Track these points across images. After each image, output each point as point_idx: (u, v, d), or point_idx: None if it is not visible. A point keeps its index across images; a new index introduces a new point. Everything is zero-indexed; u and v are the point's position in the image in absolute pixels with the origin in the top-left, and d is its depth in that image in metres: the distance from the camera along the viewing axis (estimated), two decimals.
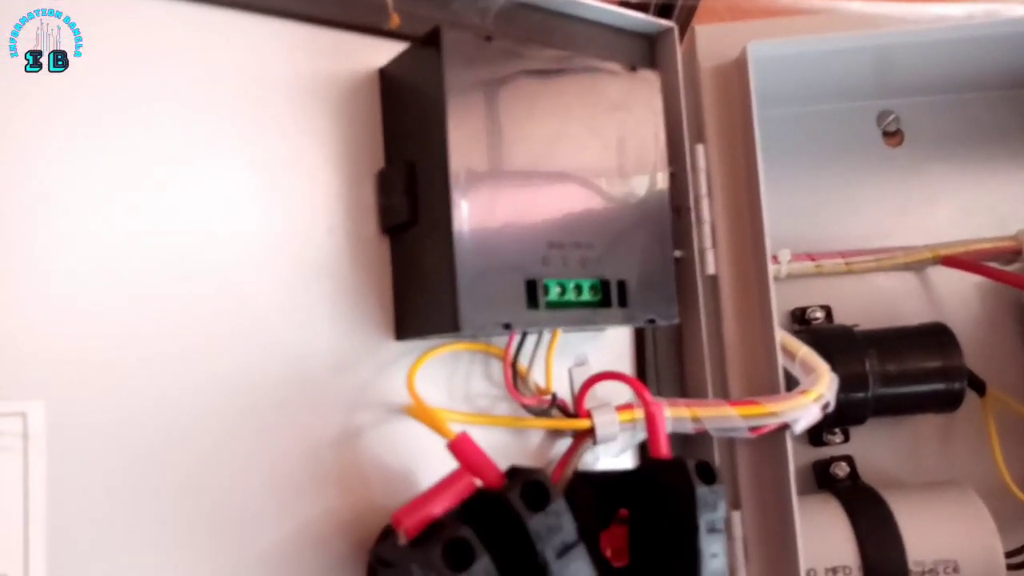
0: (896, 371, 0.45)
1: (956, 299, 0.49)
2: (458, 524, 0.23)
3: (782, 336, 0.36)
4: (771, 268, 0.35)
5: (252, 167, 0.28)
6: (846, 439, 0.48)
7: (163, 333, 0.25)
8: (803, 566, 0.34)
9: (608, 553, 0.29)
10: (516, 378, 0.30)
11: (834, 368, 0.42)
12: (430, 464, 0.27)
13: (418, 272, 0.28)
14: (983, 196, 0.50)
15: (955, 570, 0.42)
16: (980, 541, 0.42)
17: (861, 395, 0.44)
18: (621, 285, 0.30)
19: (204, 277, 0.26)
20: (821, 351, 0.37)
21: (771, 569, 0.35)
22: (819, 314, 0.48)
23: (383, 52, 0.30)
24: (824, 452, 0.48)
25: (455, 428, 0.26)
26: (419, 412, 0.27)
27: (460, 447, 0.26)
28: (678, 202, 0.35)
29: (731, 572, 0.35)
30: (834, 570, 0.42)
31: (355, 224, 0.29)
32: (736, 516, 0.35)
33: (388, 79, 0.30)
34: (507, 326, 0.27)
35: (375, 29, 0.30)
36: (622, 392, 0.33)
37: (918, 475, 0.47)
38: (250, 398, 0.26)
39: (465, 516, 0.24)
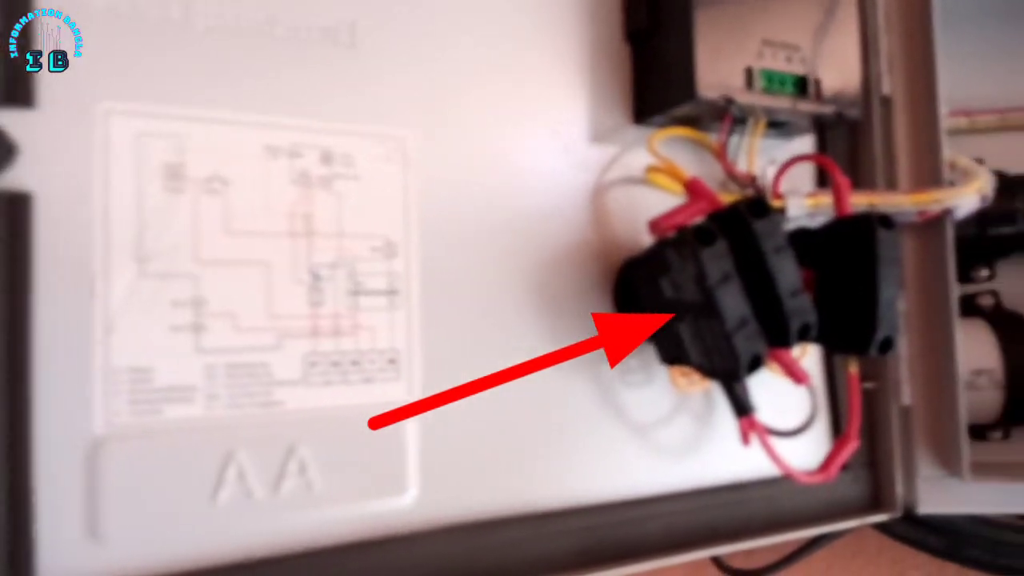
0: None
1: None
2: (702, 221, 0.32)
3: (947, 151, 0.43)
4: (941, 93, 0.41)
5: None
6: (992, 276, 0.53)
7: (470, 96, 0.35)
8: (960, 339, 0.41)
9: None
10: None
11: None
12: None
13: (657, 67, 0.37)
14: None
15: None
16: None
17: (1009, 229, 0.50)
18: (817, 82, 0.37)
19: (503, 63, 0.36)
20: None
21: (928, 339, 0.42)
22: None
23: None
24: (971, 288, 0.54)
25: None
26: (659, 167, 0.36)
27: (695, 184, 0.34)
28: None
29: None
30: (979, 372, 0.48)
31: (604, 31, 0.38)
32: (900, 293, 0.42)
33: None
34: (729, 100, 0.35)
35: None
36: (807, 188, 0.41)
37: None
38: (535, 148, 0.36)
39: None
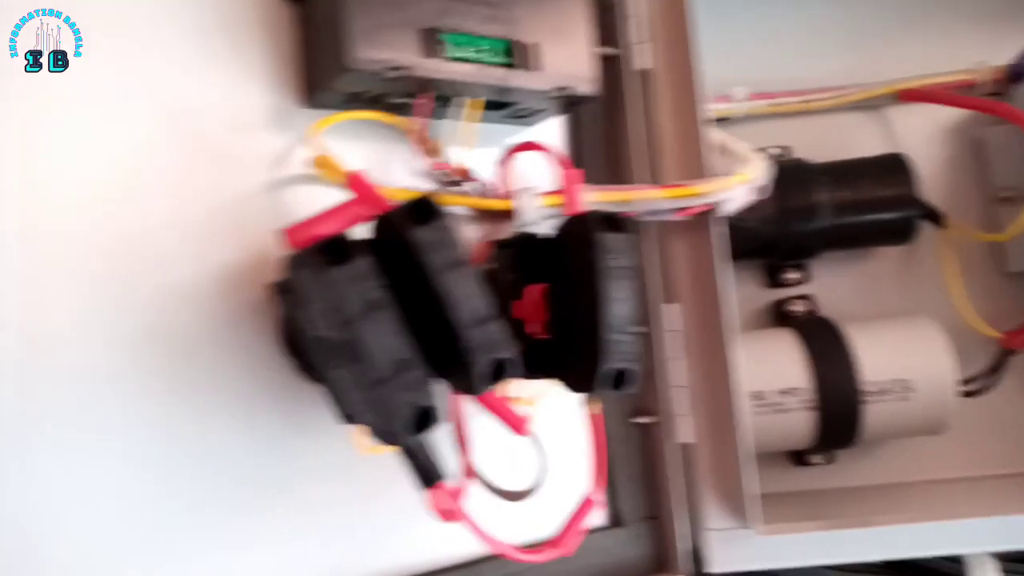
0: (850, 199, 0.44)
1: (915, 139, 0.48)
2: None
3: (719, 135, 0.36)
4: (700, 65, 0.34)
5: None
6: (803, 279, 0.47)
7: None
8: (742, 360, 0.34)
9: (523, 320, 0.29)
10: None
11: (784, 199, 0.42)
12: None
13: (316, 27, 0.28)
14: (942, 38, 0.49)
15: (907, 389, 0.41)
16: (933, 361, 0.41)
17: (813, 226, 0.44)
18: (530, 49, 0.29)
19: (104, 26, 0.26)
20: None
21: (707, 362, 0.34)
22: (776, 151, 0.47)
23: None
24: (783, 293, 0.47)
25: None
26: (319, 160, 0.27)
27: (356, 181, 0.26)
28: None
29: (668, 363, 0.35)
30: (787, 391, 0.41)
31: None
32: (675, 309, 0.35)
33: None
34: (398, 70, 0.27)
35: None
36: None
37: (878, 311, 0.46)
38: (149, 143, 0.27)
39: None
